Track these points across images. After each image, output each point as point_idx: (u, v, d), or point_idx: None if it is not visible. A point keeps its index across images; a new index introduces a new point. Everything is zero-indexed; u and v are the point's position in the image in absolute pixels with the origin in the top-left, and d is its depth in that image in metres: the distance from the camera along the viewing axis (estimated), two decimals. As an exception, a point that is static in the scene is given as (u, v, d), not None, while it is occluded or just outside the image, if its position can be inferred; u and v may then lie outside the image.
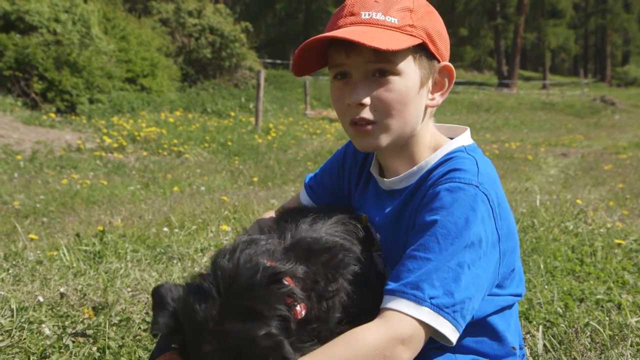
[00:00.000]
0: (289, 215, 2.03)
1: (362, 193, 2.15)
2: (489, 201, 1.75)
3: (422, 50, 1.85)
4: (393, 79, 1.81)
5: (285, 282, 1.63)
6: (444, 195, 1.74)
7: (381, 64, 1.80)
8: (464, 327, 1.70)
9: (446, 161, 1.87)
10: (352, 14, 1.83)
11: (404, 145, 1.95)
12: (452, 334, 1.67)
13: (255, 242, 1.74)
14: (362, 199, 2.13)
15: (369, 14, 1.81)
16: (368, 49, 1.71)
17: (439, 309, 1.64)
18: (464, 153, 1.90)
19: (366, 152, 2.10)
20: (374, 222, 2.02)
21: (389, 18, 1.80)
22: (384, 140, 1.88)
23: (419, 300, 1.64)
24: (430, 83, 1.91)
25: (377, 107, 1.83)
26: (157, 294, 1.67)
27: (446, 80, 1.95)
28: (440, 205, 1.73)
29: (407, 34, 1.80)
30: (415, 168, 1.93)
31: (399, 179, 1.96)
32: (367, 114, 1.83)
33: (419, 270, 1.67)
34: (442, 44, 1.90)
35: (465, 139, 1.99)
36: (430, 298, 1.64)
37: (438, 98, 1.95)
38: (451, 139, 2.02)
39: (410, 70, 1.83)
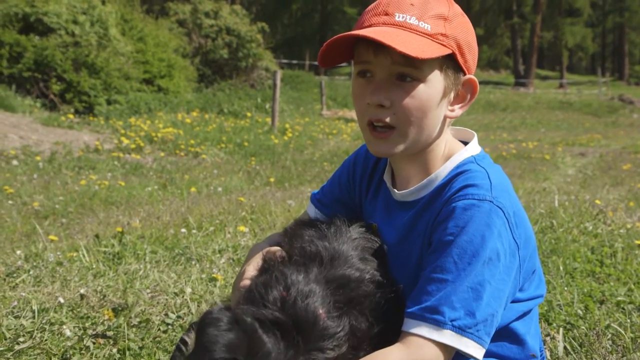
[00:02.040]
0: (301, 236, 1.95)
1: (372, 201, 2.12)
2: (504, 214, 1.73)
3: (450, 61, 1.82)
4: (417, 85, 1.79)
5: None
6: (459, 213, 1.72)
7: (408, 69, 1.77)
8: (489, 341, 1.69)
9: (458, 175, 1.85)
10: (387, 14, 1.80)
11: (419, 154, 1.93)
12: (478, 352, 1.67)
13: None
14: (372, 207, 2.11)
15: (403, 17, 1.78)
16: (397, 52, 1.68)
17: (461, 330, 1.63)
18: (475, 164, 1.88)
19: (379, 157, 2.07)
20: (383, 232, 2.00)
21: (422, 24, 1.77)
22: (399, 147, 1.86)
23: (439, 324, 1.63)
24: (452, 94, 1.88)
25: (396, 111, 1.80)
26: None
27: (469, 93, 1.93)
28: (455, 224, 1.72)
29: (438, 43, 1.77)
30: (425, 181, 1.91)
31: (411, 191, 1.94)
32: (385, 116, 1.81)
33: (437, 292, 1.66)
34: (471, 56, 1.87)
35: (473, 147, 1.97)
36: (452, 320, 1.63)
37: (458, 110, 1.92)
38: (464, 142, 2.01)
39: (436, 79, 1.81)
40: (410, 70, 1.78)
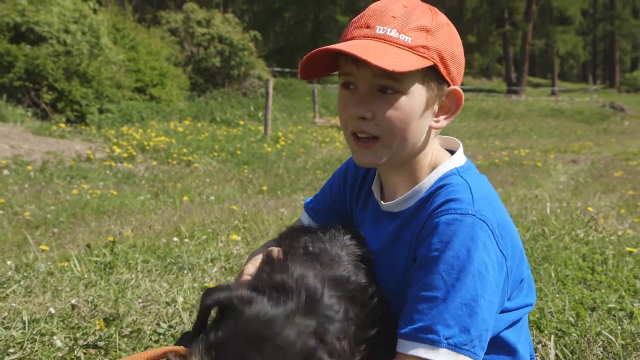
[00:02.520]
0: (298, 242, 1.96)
1: (362, 210, 2.14)
2: (488, 226, 1.73)
3: (433, 73, 1.82)
4: (398, 97, 1.79)
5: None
6: (442, 228, 1.72)
7: (388, 81, 1.78)
8: (483, 356, 1.69)
9: (441, 187, 1.85)
10: (368, 27, 1.81)
11: (405, 164, 1.94)
12: None
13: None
14: (362, 216, 2.12)
15: (383, 30, 1.79)
16: (374, 66, 1.69)
17: (457, 347, 1.63)
18: (457, 177, 1.88)
19: (364, 166, 2.08)
20: (370, 241, 2.01)
21: (402, 36, 1.78)
22: (383, 157, 1.87)
23: (435, 343, 1.63)
24: (436, 106, 1.88)
25: (379, 122, 1.81)
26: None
27: (453, 104, 1.93)
28: (439, 239, 1.71)
29: (419, 55, 1.77)
30: (410, 192, 1.92)
31: (396, 202, 1.95)
32: (368, 127, 1.82)
33: (429, 311, 1.66)
34: (455, 67, 1.87)
35: (458, 158, 1.97)
36: (447, 338, 1.63)
37: (443, 121, 1.93)
38: (450, 151, 2.02)
39: (417, 91, 1.81)
40: (390, 82, 1.79)
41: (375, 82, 1.80)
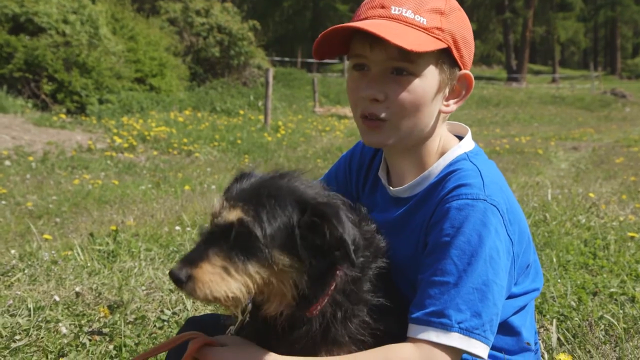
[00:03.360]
0: None
1: (369, 196, 2.14)
2: (499, 211, 1.74)
3: (446, 56, 1.83)
4: (412, 79, 1.79)
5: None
6: (454, 213, 1.73)
7: (403, 63, 1.78)
8: (493, 339, 1.71)
9: (451, 173, 1.85)
10: (383, 7, 1.81)
11: (413, 149, 1.94)
12: (484, 352, 1.69)
13: None
14: (371, 201, 2.12)
15: (399, 10, 1.79)
16: (393, 45, 1.69)
17: (468, 331, 1.65)
18: (467, 162, 1.88)
19: (372, 147, 2.09)
20: (379, 225, 2.02)
21: (418, 17, 1.78)
22: (392, 138, 1.87)
23: (447, 327, 1.65)
24: (447, 89, 1.89)
25: (390, 104, 1.81)
26: None
27: (464, 89, 1.93)
28: (450, 224, 1.72)
29: (434, 37, 1.78)
30: (419, 178, 1.92)
31: (405, 188, 1.95)
32: (378, 110, 1.82)
33: (441, 295, 1.67)
34: (467, 51, 1.87)
35: (467, 143, 1.97)
36: (459, 323, 1.65)
37: (453, 105, 1.93)
38: (458, 137, 2.02)
39: (431, 73, 1.81)
40: (405, 64, 1.78)
41: (389, 64, 1.80)
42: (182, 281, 1.56)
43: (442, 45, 1.79)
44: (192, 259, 1.60)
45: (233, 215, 1.63)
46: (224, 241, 1.61)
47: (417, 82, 1.80)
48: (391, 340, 1.73)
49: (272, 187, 1.70)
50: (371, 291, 1.77)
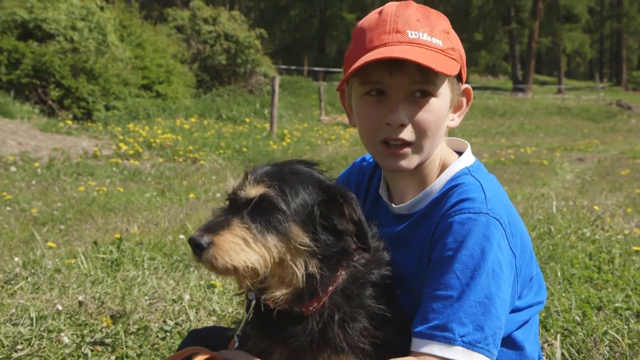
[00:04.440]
0: None
1: (370, 213, 2.12)
2: (501, 225, 1.75)
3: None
4: (431, 100, 1.82)
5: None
6: (457, 228, 1.74)
7: (425, 86, 1.80)
8: (497, 353, 1.70)
9: (453, 188, 1.86)
10: (398, 31, 1.80)
11: (417, 166, 1.94)
12: None
13: None
14: (372, 218, 2.10)
15: (416, 34, 1.79)
16: (414, 69, 1.71)
17: (471, 345, 1.65)
18: (469, 177, 1.89)
19: (394, 172, 2.03)
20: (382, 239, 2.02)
21: (434, 40, 1.80)
22: (415, 161, 1.88)
23: (450, 341, 1.65)
24: (453, 105, 1.93)
25: (415, 128, 1.83)
26: None
27: (464, 101, 1.97)
28: (453, 239, 1.73)
29: (451, 58, 1.81)
30: (421, 194, 1.93)
31: (407, 205, 1.96)
32: (406, 134, 1.83)
33: (444, 310, 1.67)
34: (465, 66, 1.92)
35: (467, 158, 1.99)
36: (461, 336, 1.65)
37: (457, 119, 1.96)
38: (457, 152, 2.02)
39: (445, 92, 1.85)
40: (428, 87, 1.81)
41: (410, 89, 1.81)
42: (203, 247, 1.57)
43: (459, 65, 1.83)
44: (213, 227, 1.62)
45: (257, 189, 1.68)
46: (246, 213, 1.65)
47: (435, 102, 1.83)
48: (391, 351, 1.73)
49: (293, 168, 1.78)
50: (373, 297, 1.79)
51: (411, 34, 1.79)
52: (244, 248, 1.60)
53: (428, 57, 1.73)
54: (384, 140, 1.86)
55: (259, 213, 1.65)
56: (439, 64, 1.72)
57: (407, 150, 1.85)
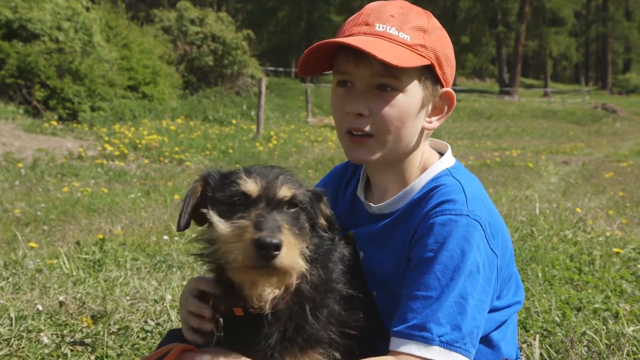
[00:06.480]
0: None
1: (349, 216, 2.15)
2: (481, 226, 1.77)
3: (429, 73, 1.86)
4: (396, 95, 1.83)
5: None
6: (438, 229, 1.75)
7: (387, 79, 1.81)
8: (474, 353, 1.72)
9: (434, 189, 1.87)
10: (367, 24, 1.84)
11: (396, 164, 1.96)
12: None
13: None
14: (351, 218, 2.13)
15: (383, 27, 1.82)
16: (377, 61, 1.72)
17: (449, 345, 1.66)
18: (450, 178, 1.91)
19: (357, 163, 2.11)
20: (359, 241, 2.03)
21: (402, 34, 1.81)
22: (377, 154, 1.89)
23: (427, 341, 1.66)
24: (430, 106, 1.92)
25: (375, 120, 1.84)
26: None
27: (446, 106, 1.97)
28: (434, 240, 1.75)
29: (417, 54, 1.81)
30: (401, 193, 1.94)
31: (387, 204, 1.97)
32: (364, 125, 1.84)
33: (422, 310, 1.69)
34: (449, 69, 1.91)
35: (448, 159, 2.00)
36: (439, 336, 1.66)
37: (435, 122, 1.96)
38: (439, 153, 2.04)
39: (414, 89, 1.85)
40: (389, 80, 1.81)
41: (373, 80, 1.83)
42: (279, 247, 1.55)
43: (426, 62, 1.82)
44: (271, 226, 1.59)
45: (286, 191, 1.71)
46: (283, 214, 1.68)
47: (401, 98, 1.83)
48: (362, 337, 1.78)
49: (283, 171, 1.83)
50: (340, 282, 1.82)
51: (378, 27, 1.82)
52: (295, 248, 1.63)
53: (384, 49, 1.74)
54: (348, 131, 1.89)
55: (292, 214, 1.70)
56: (395, 57, 1.73)
57: (369, 141, 1.87)
